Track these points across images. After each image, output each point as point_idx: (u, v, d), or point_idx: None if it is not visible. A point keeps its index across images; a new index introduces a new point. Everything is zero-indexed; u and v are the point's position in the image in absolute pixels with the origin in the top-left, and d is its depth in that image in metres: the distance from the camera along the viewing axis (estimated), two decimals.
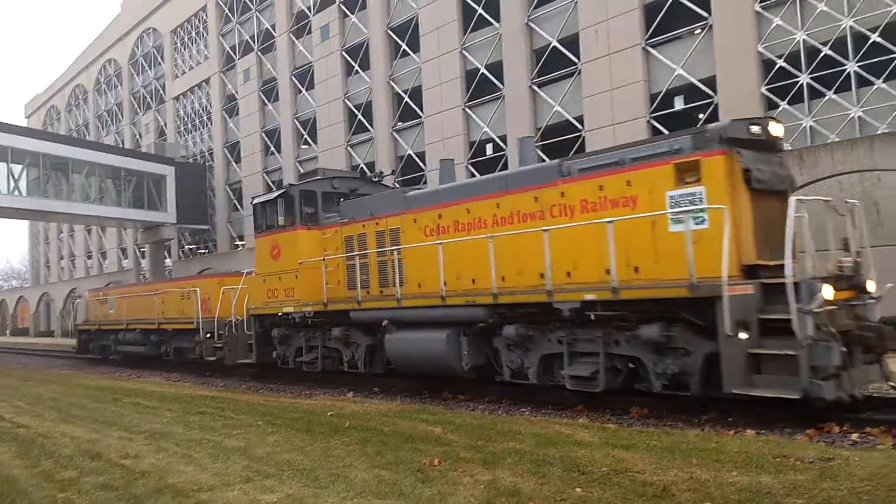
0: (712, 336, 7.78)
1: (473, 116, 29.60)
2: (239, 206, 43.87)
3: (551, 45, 26.49)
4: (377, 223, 12.47)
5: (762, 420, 8.06)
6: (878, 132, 18.38)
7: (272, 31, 41.05)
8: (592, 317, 8.94)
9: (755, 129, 8.30)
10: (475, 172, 29.20)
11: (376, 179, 15.37)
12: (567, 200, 9.46)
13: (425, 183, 30.92)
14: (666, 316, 8.25)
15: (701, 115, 22.72)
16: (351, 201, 13.70)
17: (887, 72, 19.06)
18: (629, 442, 6.74)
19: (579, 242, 9.14)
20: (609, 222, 8.54)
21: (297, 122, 39.30)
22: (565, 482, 5.25)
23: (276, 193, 14.34)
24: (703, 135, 8.27)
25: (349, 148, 35.57)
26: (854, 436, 7.21)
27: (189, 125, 49.85)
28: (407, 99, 32.49)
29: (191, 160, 47.98)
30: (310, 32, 38.08)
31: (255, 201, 15.20)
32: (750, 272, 7.97)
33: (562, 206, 9.52)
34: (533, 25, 27.44)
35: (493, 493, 5.07)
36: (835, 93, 20.13)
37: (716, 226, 7.74)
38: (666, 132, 23.25)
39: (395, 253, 11.80)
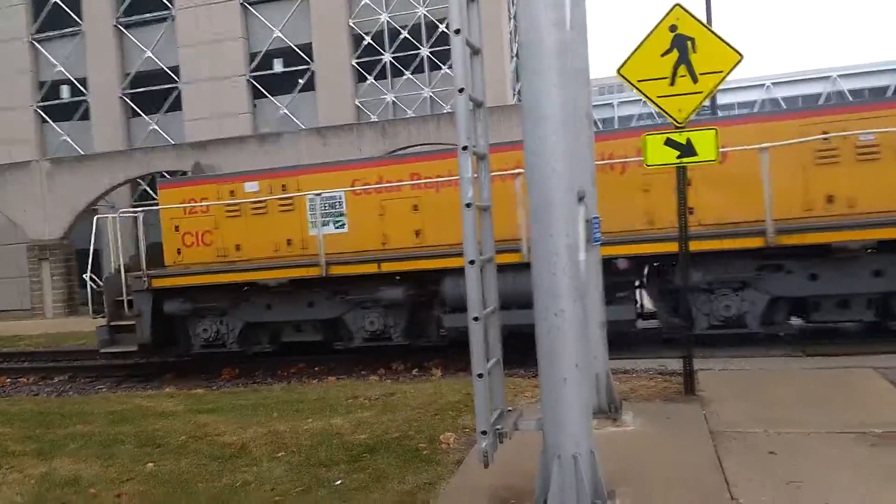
0: None
1: (44, 52, 25.04)
2: None
3: None
4: None
5: (345, 366, 8.81)
6: (444, 111, 21.45)
7: None
8: None
9: None
10: (45, 117, 24.94)
11: None
12: None
13: None
14: None
15: (300, 80, 23.32)
16: None
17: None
18: (215, 405, 6.62)
19: None
20: None
21: None
22: (136, 459, 4.89)
23: None
24: None
25: None
26: (415, 371, 8.41)
27: None
28: None
29: None
30: None
31: None
32: None
33: None
34: None
35: (45, 487, 4.45)
36: (412, 73, 22.74)
37: None
38: (266, 93, 23.37)
39: None
